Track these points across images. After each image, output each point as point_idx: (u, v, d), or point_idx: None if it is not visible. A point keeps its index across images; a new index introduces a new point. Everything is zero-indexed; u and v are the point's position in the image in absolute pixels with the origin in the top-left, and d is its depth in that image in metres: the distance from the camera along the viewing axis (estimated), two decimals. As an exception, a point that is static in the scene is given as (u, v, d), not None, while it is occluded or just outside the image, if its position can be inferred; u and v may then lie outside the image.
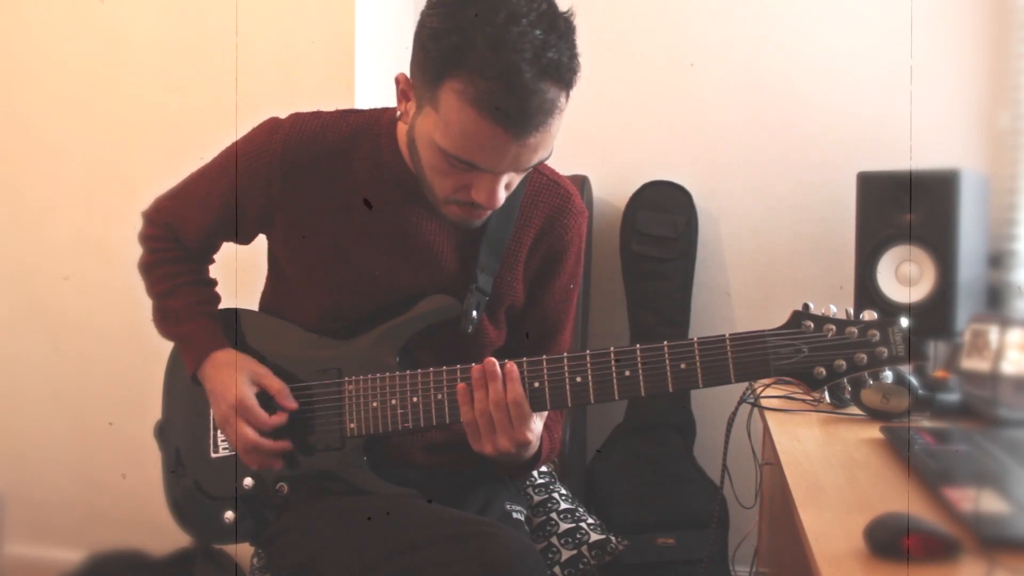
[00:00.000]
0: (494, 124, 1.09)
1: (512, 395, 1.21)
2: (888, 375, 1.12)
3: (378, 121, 1.34)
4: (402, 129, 1.30)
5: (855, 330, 1.12)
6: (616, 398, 1.21)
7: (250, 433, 1.33)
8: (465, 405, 1.23)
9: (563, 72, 1.10)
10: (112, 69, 2.43)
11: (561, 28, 1.11)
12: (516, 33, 1.07)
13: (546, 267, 1.40)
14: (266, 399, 1.36)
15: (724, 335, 1.15)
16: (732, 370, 1.15)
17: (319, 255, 1.35)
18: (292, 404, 1.35)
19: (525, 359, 1.23)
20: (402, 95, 1.22)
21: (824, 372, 1.12)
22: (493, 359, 1.22)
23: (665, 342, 1.18)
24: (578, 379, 1.21)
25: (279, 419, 1.34)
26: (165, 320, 1.46)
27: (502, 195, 1.19)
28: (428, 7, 1.14)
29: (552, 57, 1.08)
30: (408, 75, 1.20)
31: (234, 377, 1.36)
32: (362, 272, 1.34)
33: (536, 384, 1.22)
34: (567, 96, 1.12)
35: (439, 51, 1.10)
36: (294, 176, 1.32)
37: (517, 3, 1.08)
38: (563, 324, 1.45)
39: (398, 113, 1.24)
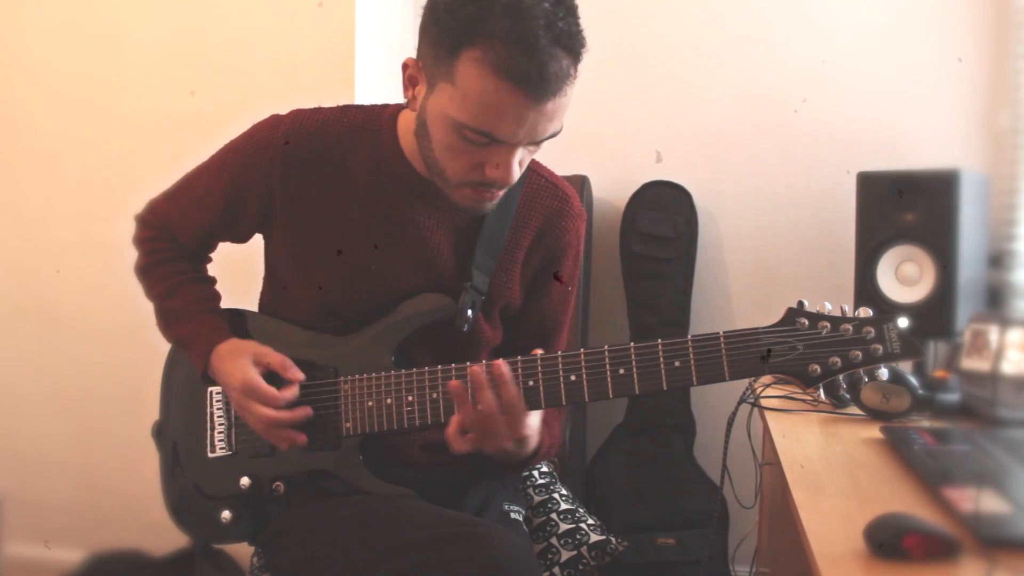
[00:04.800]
0: (514, 88, 1.10)
1: (507, 397, 1.20)
2: (884, 372, 1.11)
3: (379, 117, 1.34)
4: (405, 122, 1.30)
5: (850, 327, 1.12)
6: (611, 396, 1.20)
7: (265, 411, 1.32)
8: (464, 404, 1.23)
9: (573, 43, 1.12)
10: (112, 69, 2.44)
11: (568, 3, 1.13)
12: (529, 3, 1.09)
13: (544, 269, 1.40)
14: (274, 379, 1.34)
15: (718, 332, 1.15)
16: (726, 367, 1.15)
17: (317, 250, 1.35)
18: (298, 375, 1.34)
19: (520, 358, 1.23)
20: (410, 80, 1.22)
21: (819, 369, 1.12)
22: (478, 371, 1.21)
23: (659, 340, 1.18)
24: (572, 377, 1.21)
25: (290, 392, 1.33)
26: (168, 323, 1.46)
27: (516, 171, 1.20)
28: None
29: (562, 27, 1.11)
30: (416, 58, 1.20)
31: (236, 363, 1.35)
32: (358, 267, 1.34)
33: (531, 382, 1.22)
34: (576, 68, 1.14)
35: (455, 23, 1.11)
36: (295, 171, 1.32)
37: None
38: (561, 326, 1.45)
39: (405, 99, 1.24)
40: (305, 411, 1.33)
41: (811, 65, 2.35)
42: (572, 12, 1.13)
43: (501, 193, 1.25)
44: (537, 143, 1.19)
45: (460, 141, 1.17)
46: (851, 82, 2.33)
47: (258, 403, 1.32)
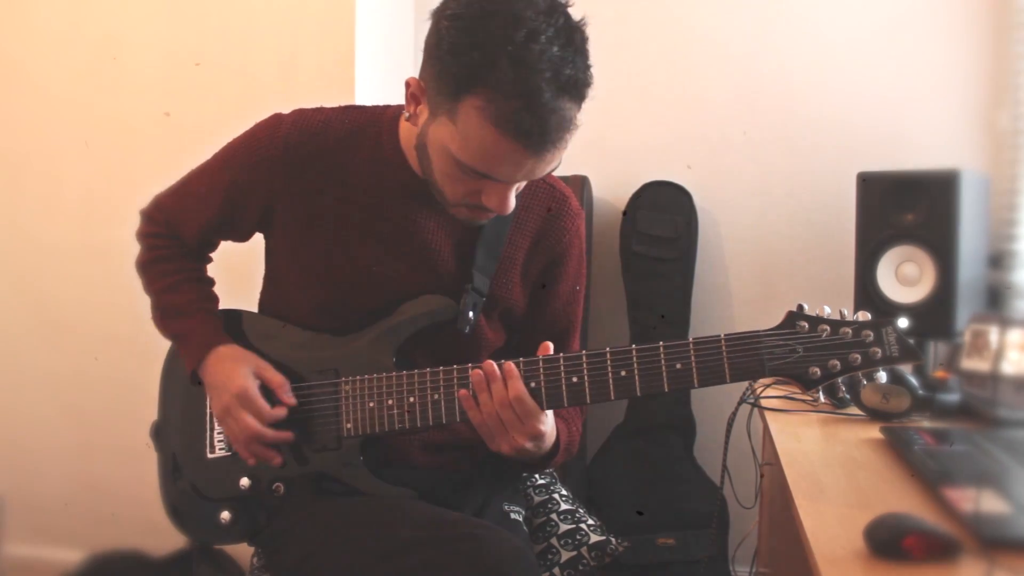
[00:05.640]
0: (514, 142, 1.11)
1: (513, 392, 1.21)
2: (883, 375, 1.12)
3: (381, 118, 1.35)
4: (407, 128, 1.30)
5: (849, 330, 1.12)
6: (612, 398, 1.21)
7: (252, 422, 1.33)
8: (472, 410, 1.24)
9: (579, 88, 1.12)
10: (112, 69, 2.44)
11: (577, 42, 1.12)
12: (536, 52, 1.08)
13: (549, 272, 1.41)
14: (266, 394, 1.35)
15: (719, 335, 1.16)
16: (727, 370, 1.15)
17: (318, 250, 1.35)
18: (291, 399, 1.35)
19: (522, 359, 1.23)
20: (412, 98, 1.22)
21: (819, 372, 1.12)
22: (491, 361, 1.22)
23: (661, 343, 1.18)
24: (574, 379, 1.21)
25: (279, 411, 1.34)
26: (165, 317, 1.46)
27: (512, 201, 1.21)
28: (445, 18, 1.13)
29: (569, 74, 1.10)
30: (419, 79, 1.20)
31: (236, 369, 1.35)
32: (359, 268, 1.34)
33: (532, 384, 1.22)
34: (579, 110, 1.14)
35: (459, 67, 1.11)
36: (296, 170, 1.32)
37: (536, 19, 1.09)
38: (573, 327, 1.46)
39: (406, 114, 1.24)
40: (286, 435, 1.34)
41: (811, 65, 2.35)
42: (581, 51, 1.12)
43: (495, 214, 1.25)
44: (534, 178, 1.20)
45: (458, 172, 1.18)
46: (851, 82, 2.33)
47: (248, 412, 1.33)
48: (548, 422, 1.25)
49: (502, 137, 1.10)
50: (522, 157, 1.13)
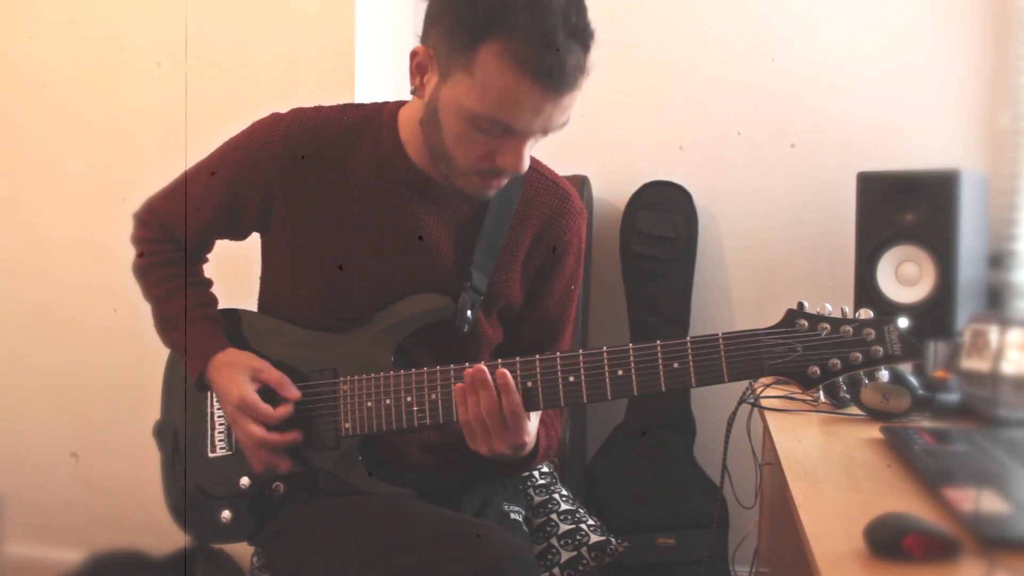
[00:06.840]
0: (535, 81, 1.11)
1: (508, 406, 1.20)
2: (884, 374, 1.11)
3: (379, 114, 1.35)
4: (406, 118, 1.31)
5: (850, 329, 1.11)
6: (609, 398, 1.21)
7: (256, 430, 1.32)
8: (461, 406, 1.23)
9: (586, 36, 1.14)
10: (112, 69, 2.44)
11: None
12: None
13: (546, 268, 1.40)
14: (269, 394, 1.35)
15: (717, 334, 1.15)
16: (725, 369, 1.15)
17: (317, 247, 1.35)
18: (295, 393, 1.34)
19: (518, 359, 1.23)
20: (418, 69, 1.22)
21: (818, 371, 1.12)
22: (482, 367, 1.21)
23: (658, 341, 1.18)
24: (571, 378, 1.21)
25: (285, 410, 1.34)
26: (165, 328, 1.46)
27: (528, 159, 1.20)
28: None
29: (576, 21, 1.12)
30: (425, 46, 1.20)
31: (234, 377, 1.35)
32: (357, 260, 1.34)
33: (529, 383, 1.22)
34: (587, 61, 1.16)
35: (476, 14, 1.12)
36: (295, 166, 1.32)
37: None
38: (564, 325, 1.45)
39: (412, 87, 1.24)
40: (294, 436, 1.33)
41: (811, 65, 2.35)
42: (582, 6, 1.15)
43: (506, 180, 1.25)
44: (549, 132, 1.20)
45: (473, 131, 1.17)
46: (851, 82, 2.32)
47: (251, 420, 1.33)
48: (531, 431, 1.25)
49: (523, 77, 1.11)
50: (542, 99, 1.13)
